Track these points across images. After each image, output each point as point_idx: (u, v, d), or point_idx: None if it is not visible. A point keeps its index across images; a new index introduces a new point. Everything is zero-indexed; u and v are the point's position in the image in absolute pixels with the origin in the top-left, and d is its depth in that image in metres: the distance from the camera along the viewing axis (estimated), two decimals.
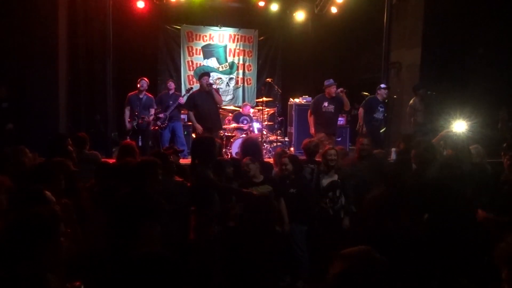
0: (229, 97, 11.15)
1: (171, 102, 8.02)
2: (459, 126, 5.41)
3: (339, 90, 7.24)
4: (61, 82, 7.54)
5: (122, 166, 3.82)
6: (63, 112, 7.62)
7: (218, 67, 11.08)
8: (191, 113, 7.33)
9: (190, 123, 7.96)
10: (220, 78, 11.07)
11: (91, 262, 2.62)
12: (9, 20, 7.01)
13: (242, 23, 11.02)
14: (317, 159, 5.13)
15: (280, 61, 11.50)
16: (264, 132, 8.50)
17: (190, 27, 10.80)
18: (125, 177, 3.51)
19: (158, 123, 7.92)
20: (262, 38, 11.29)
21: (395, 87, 8.72)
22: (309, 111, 7.47)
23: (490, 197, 4.00)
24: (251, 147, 4.84)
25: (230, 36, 11.06)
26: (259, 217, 4.08)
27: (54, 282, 1.93)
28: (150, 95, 7.95)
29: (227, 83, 11.17)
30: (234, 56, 11.13)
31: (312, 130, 7.30)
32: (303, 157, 5.32)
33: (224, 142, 7.68)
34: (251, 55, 11.24)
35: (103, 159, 5.49)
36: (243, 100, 10.82)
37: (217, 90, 7.89)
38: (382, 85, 7.67)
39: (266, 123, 8.81)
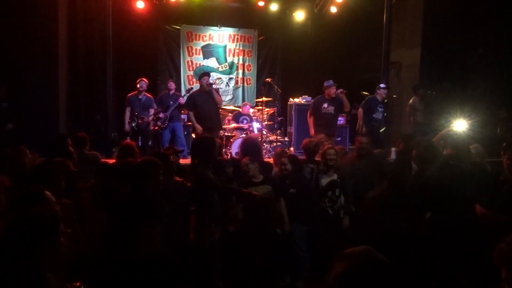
0: (229, 97, 11.14)
1: (171, 102, 8.01)
2: (460, 125, 5.41)
3: (338, 91, 7.21)
4: (61, 82, 7.55)
5: (123, 166, 3.82)
6: (63, 112, 7.63)
7: (218, 67, 11.08)
8: (191, 113, 7.32)
9: (190, 123, 7.96)
10: (220, 78, 11.06)
11: (91, 262, 2.62)
12: (9, 20, 7.01)
13: (242, 23, 11.02)
14: (316, 159, 5.13)
15: (279, 61, 11.49)
16: (264, 132, 8.50)
17: (189, 27, 10.79)
18: (125, 177, 3.51)
19: (159, 123, 7.91)
20: (261, 38, 11.28)
21: (395, 87, 8.73)
22: (308, 112, 7.42)
23: (490, 197, 4.00)
24: (251, 147, 4.84)
25: (230, 36, 11.05)
26: (259, 217, 4.08)
27: (54, 282, 1.93)
28: (149, 95, 7.96)
29: (227, 83, 11.17)
30: (233, 56, 11.12)
31: (312, 131, 7.27)
32: (303, 157, 5.32)
33: (224, 142, 7.68)
34: (250, 55, 11.23)
35: (103, 159, 5.49)
36: (243, 100, 10.81)
37: (217, 90, 7.88)
38: (382, 85, 7.65)
39: (266, 123, 8.82)
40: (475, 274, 3.51)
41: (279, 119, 8.98)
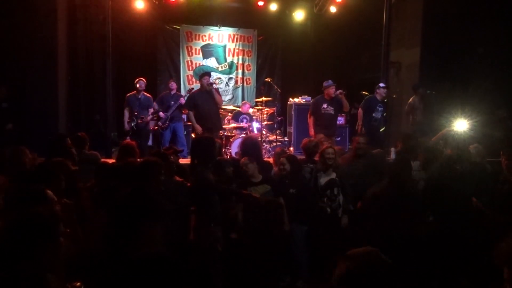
0: (229, 97, 11.14)
1: (172, 102, 8.00)
2: (460, 125, 5.40)
3: (338, 92, 7.20)
4: (61, 82, 7.55)
5: (123, 166, 3.82)
6: (63, 112, 7.63)
7: (218, 67, 11.08)
8: (191, 113, 7.31)
9: (190, 123, 7.95)
10: (220, 78, 11.05)
11: (91, 262, 2.62)
12: (9, 20, 7.01)
13: (242, 23, 11.01)
14: (316, 159, 5.13)
15: (279, 60, 11.48)
16: (264, 132, 8.50)
17: (189, 27, 10.79)
18: (126, 177, 3.51)
19: (159, 123, 7.91)
20: (261, 37, 11.27)
21: (395, 87, 8.73)
22: (308, 113, 7.44)
23: (489, 197, 4.01)
24: (251, 146, 4.84)
25: (230, 36, 11.05)
26: (259, 218, 4.08)
27: (54, 282, 1.93)
28: (148, 95, 7.95)
29: (227, 83, 11.16)
30: (233, 56, 11.12)
31: (312, 131, 7.28)
32: (302, 157, 5.31)
33: (223, 142, 7.67)
34: (250, 55, 11.23)
35: (102, 159, 5.49)
36: (243, 100, 10.81)
37: (217, 90, 7.88)
38: (381, 84, 7.65)
39: (265, 122, 8.81)
40: (475, 274, 3.52)
41: (278, 119, 8.99)
